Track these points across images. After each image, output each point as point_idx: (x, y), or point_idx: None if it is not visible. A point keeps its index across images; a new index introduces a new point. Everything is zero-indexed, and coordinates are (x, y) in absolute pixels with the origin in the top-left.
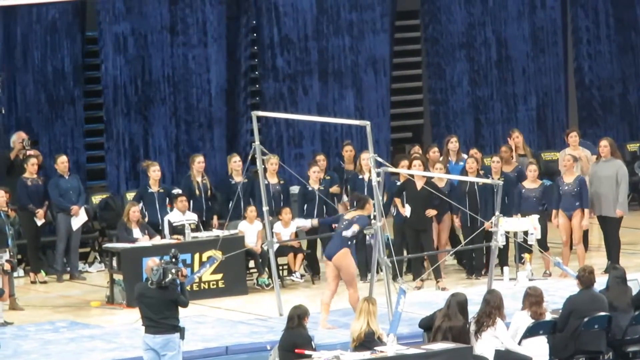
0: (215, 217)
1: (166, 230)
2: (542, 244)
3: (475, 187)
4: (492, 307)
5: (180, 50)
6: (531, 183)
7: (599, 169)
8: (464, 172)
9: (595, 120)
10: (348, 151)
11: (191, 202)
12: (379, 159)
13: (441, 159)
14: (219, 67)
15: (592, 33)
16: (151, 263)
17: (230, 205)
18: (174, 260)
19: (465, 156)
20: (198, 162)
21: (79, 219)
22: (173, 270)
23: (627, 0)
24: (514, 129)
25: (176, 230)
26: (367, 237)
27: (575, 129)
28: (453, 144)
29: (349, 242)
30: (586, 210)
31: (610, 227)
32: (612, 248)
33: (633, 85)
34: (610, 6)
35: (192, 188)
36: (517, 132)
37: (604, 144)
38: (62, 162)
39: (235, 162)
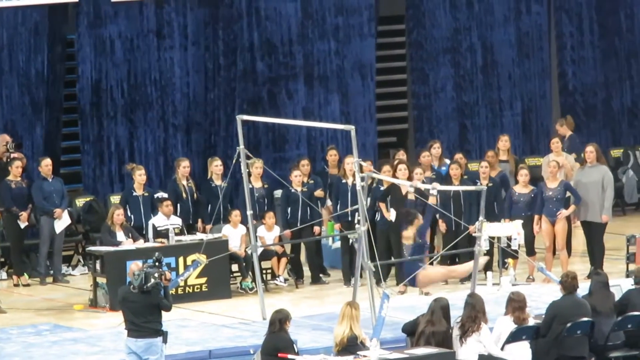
0: (200, 221)
1: (150, 234)
2: (529, 248)
3: (460, 191)
4: (478, 311)
5: (166, 53)
6: (522, 188)
7: (584, 174)
8: (446, 176)
9: (579, 126)
10: (332, 155)
11: (178, 205)
12: (363, 164)
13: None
14: (204, 70)
15: (576, 39)
16: (134, 267)
17: (209, 208)
18: (157, 263)
19: (447, 161)
20: (183, 167)
21: (62, 222)
22: (156, 274)
23: (611, 7)
24: (504, 134)
25: (160, 234)
26: (351, 241)
27: (557, 135)
28: (436, 149)
29: (420, 264)
30: (572, 206)
31: (595, 232)
32: (597, 253)
33: (616, 91)
34: (594, 12)
35: (179, 192)
36: (506, 137)
37: (590, 150)
38: (46, 165)
39: (216, 166)
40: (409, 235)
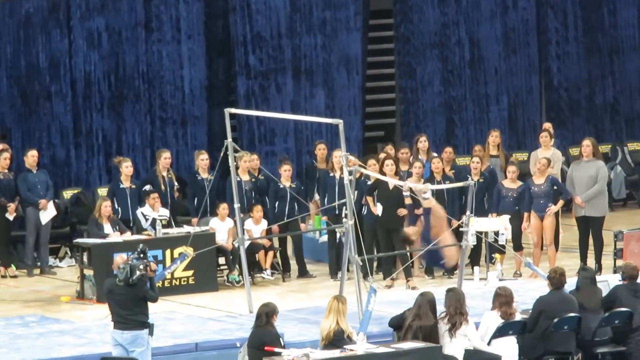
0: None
1: (143, 223)
2: (516, 243)
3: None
4: (462, 304)
5: (154, 46)
6: (510, 183)
7: (580, 168)
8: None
9: (563, 121)
10: (321, 150)
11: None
12: (351, 157)
13: (411, 158)
14: (193, 64)
15: (561, 34)
16: (119, 259)
17: (196, 201)
18: (141, 255)
19: (435, 155)
20: (164, 158)
21: (47, 213)
22: (141, 266)
23: (595, 3)
24: (495, 129)
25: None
26: (339, 235)
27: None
28: (422, 143)
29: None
30: (560, 202)
31: (594, 226)
32: (596, 248)
33: (599, 87)
34: (578, 8)
35: (158, 183)
36: (497, 133)
37: (587, 144)
38: (32, 156)
39: (202, 160)
40: (417, 242)
